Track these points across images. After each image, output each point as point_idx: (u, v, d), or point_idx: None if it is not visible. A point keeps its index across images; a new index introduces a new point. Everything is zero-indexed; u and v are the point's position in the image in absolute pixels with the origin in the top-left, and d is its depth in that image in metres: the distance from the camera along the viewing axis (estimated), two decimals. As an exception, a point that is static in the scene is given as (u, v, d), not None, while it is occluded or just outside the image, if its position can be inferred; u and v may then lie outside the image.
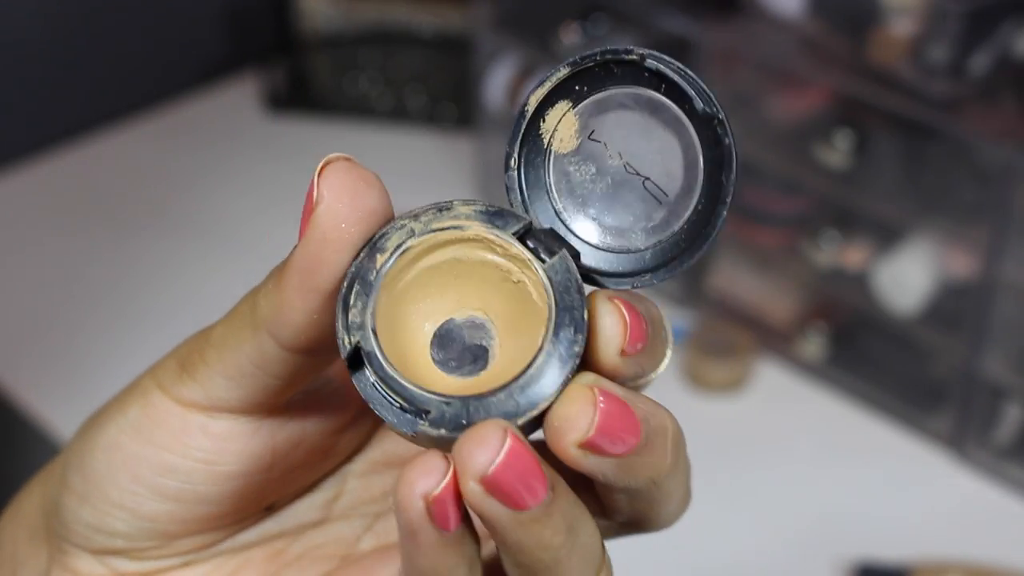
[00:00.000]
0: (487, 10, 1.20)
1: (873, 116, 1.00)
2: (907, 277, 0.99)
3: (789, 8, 1.00)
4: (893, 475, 0.99)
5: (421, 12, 1.46)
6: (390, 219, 0.30)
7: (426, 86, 1.42)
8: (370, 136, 1.39)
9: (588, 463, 0.28)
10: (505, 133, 1.20)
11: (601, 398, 0.28)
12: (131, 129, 1.41)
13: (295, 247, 0.30)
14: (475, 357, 0.30)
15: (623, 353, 0.29)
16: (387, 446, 0.36)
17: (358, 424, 0.35)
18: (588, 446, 0.28)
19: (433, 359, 0.30)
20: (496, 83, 1.21)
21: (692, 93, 0.30)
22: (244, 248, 1.20)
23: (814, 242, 1.04)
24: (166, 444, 0.32)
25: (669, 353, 0.32)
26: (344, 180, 0.29)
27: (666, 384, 1.06)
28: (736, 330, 1.08)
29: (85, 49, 1.38)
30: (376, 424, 0.36)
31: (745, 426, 1.03)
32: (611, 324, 0.29)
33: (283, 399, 0.33)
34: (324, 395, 0.34)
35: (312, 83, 1.46)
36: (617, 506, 0.32)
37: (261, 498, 0.34)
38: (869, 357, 1.06)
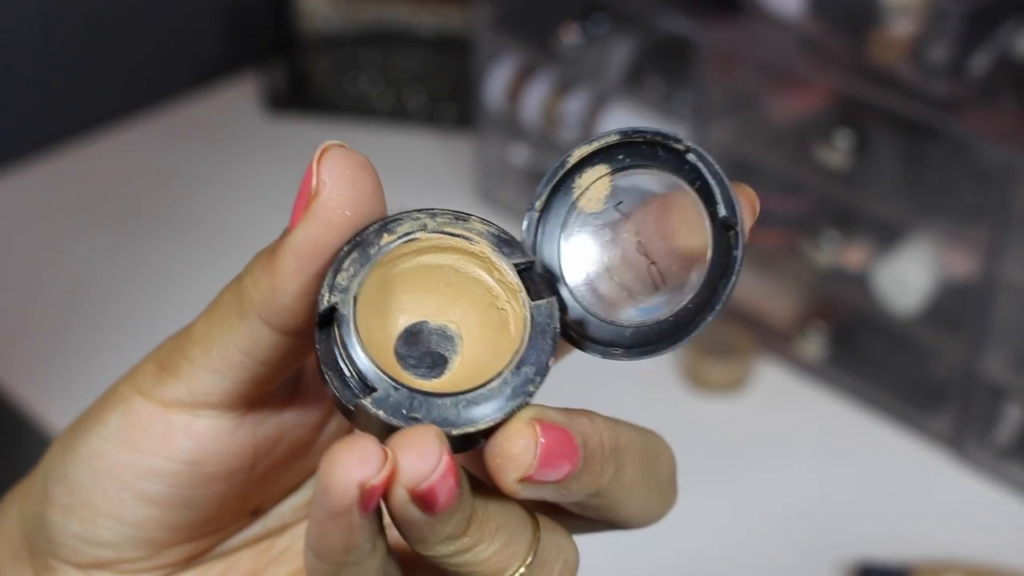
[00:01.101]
0: (487, 10, 1.20)
1: (873, 116, 1.00)
2: (907, 277, 0.99)
3: (789, 8, 1.00)
4: (893, 475, 0.99)
5: (421, 12, 1.46)
6: (382, 209, 0.31)
7: (426, 86, 1.42)
8: (370, 136, 1.39)
9: (527, 493, 0.30)
10: (504, 134, 1.19)
11: (541, 434, 0.29)
12: (131, 129, 1.41)
13: (289, 233, 0.30)
14: (434, 363, 0.31)
15: (526, 480, 0.29)
16: None
17: (335, 421, 0.35)
18: (527, 480, 0.29)
19: (395, 351, 0.31)
20: (496, 83, 1.21)
21: (719, 198, 0.31)
22: (244, 248, 1.20)
23: (814, 242, 1.04)
24: (150, 448, 0.32)
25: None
26: (343, 166, 0.30)
27: (666, 384, 1.06)
28: (736, 330, 1.08)
29: (85, 49, 1.38)
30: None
31: (745, 426, 1.03)
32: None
33: (268, 388, 0.33)
34: (301, 388, 0.35)
35: (312, 83, 1.46)
36: (571, 513, 0.32)
37: (245, 501, 0.34)
38: (869, 357, 1.06)
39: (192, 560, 0.35)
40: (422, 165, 1.32)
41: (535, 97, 1.18)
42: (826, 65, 1.00)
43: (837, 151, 1.00)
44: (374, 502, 0.28)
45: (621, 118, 1.13)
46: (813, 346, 1.07)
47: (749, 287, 1.11)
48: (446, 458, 0.28)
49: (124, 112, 1.42)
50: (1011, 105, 0.95)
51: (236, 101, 1.45)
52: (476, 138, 1.28)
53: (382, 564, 0.30)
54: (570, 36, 1.14)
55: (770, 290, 1.10)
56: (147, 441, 0.32)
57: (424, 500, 0.28)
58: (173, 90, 1.45)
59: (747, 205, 0.31)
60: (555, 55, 1.16)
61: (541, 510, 0.32)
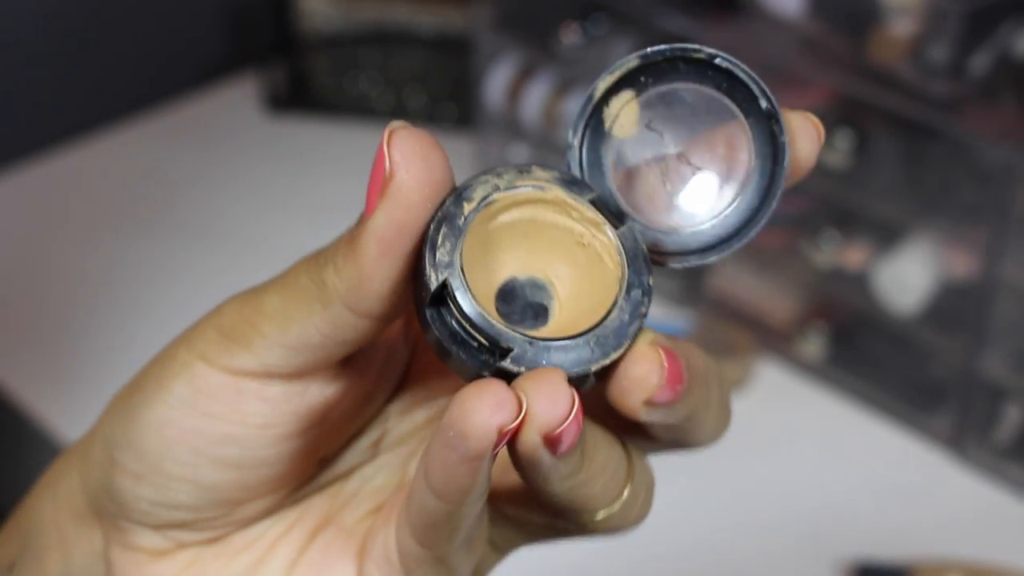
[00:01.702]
0: (487, 10, 1.20)
1: (873, 116, 1.00)
2: (907, 277, 0.99)
3: (789, 8, 1.00)
4: (893, 475, 0.99)
5: (421, 12, 1.46)
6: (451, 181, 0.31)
7: (426, 86, 1.42)
8: (370, 136, 1.39)
9: (648, 416, 0.31)
10: (504, 134, 1.19)
11: (665, 357, 0.30)
12: (131, 129, 1.41)
13: (368, 218, 0.30)
14: (536, 313, 0.32)
15: (649, 403, 0.31)
16: (416, 388, 0.37)
17: (394, 366, 0.36)
18: (650, 403, 0.30)
19: (498, 310, 0.31)
20: (496, 83, 1.21)
21: (758, 92, 0.32)
22: (244, 248, 1.21)
23: (814, 242, 1.04)
24: (223, 414, 0.32)
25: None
26: (415, 146, 0.30)
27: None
28: (736, 330, 1.08)
29: (85, 49, 1.38)
30: (410, 365, 0.36)
31: (745, 426, 1.03)
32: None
33: (341, 360, 0.33)
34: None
35: (312, 83, 1.46)
36: (655, 434, 0.33)
37: (315, 453, 0.35)
38: (869, 357, 1.06)
39: (267, 512, 0.35)
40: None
41: (535, 97, 1.18)
42: (826, 65, 1.00)
43: (837, 151, 1.00)
44: (502, 444, 0.28)
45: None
46: (813, 346, 1.07)
47: (749, 287, 1.11)
48: (577, 401, 0.28)
49: (124, 112, 1.42)
50: (1011, 105, 0.95)
51: (236, 101, 1.45)
52: (476, 138, 1.28)
53: (484, 506, 0.31)
54: (570, 36, 1.14)
55: (770, 290, 1.10)
56: (218, 407, 0.32)
57: (554, 443, 0.28)
58: (173, 90, 1.45)
59: (812, 132, 0.32)
60: (555, 55, 1.16)
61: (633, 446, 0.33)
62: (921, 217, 0.99)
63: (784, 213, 1.06)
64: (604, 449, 0.31)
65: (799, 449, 1.01)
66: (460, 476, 0.29)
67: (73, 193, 1.31)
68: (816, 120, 0.32)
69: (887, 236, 1.01)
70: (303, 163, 1.35)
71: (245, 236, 1.23)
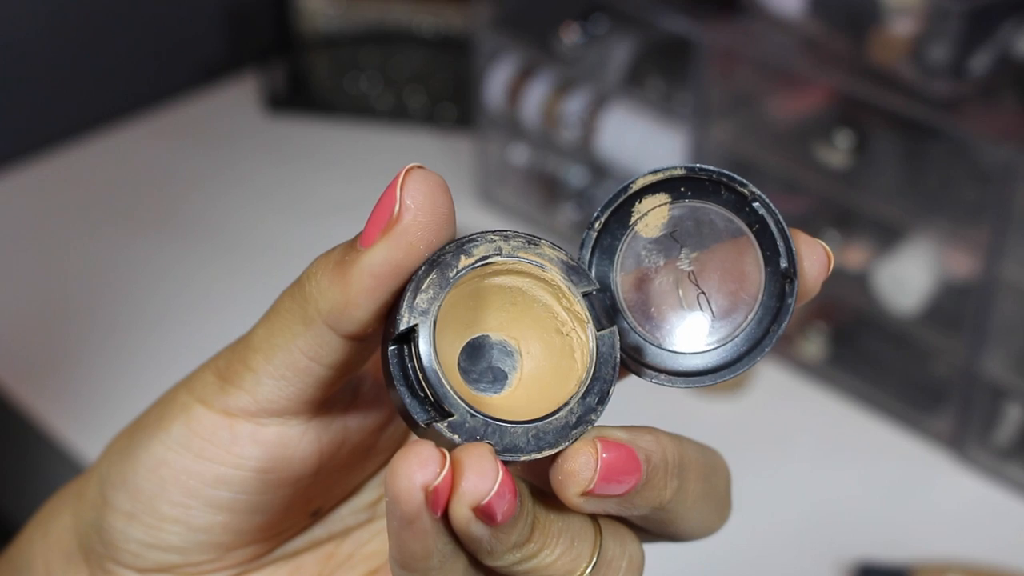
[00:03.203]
0: (487, 10, 1.20)
1: (873, 116, 1.00)
2: (907, 277, 0.99)
3: (789, 8, 1.00)
4: (893, 475, 0.99)
5: (421, 12, 1.46)
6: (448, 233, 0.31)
7: (426, 86, 1.42)
8: (370, 136, 1.39)
9: (590, 507, 0.31)
10: (504, 134, 1.19)
11: (603, 451, 0.30)
12: (131, 129, 1.41)
13: (366, 250, 0.30)
14: (495, 378, 0.32)
15: (587, 495, 0.31)
16: None
17: (395, 424, 0.36)
18: (589, 495, 0.30)
19: (459, 363, 0.32)
20: (496, 83, 1.21)
21: (781, 249, 0.32)
22: (243, 247, 1.20)
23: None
24: (218, 457, 0.33)
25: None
26: (426, 190, 0.31)
27: (666, 384, 1.06)
28: (736, 330, 1.08)
29: (85, 49, 1.38)
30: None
31: (745, 426, 1.03)
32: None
33: (331, 392, 0.33)
34: (362, 393, 0.35)
35: (312, 83, 1.46)
36: (632, 525, 0.33)
37: (308, 503, 0.35)
38: (869, 357, 1.06)
39: (254, 560, 0.35)
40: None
41: (535, 97, 1.18)
42: (826, 65, 1.00)
43: (837, 151, 1.00)
44: (442, 504, 0.29)
45: (621, 118, 1.13)
46: (813, 346, 1.07)
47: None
48: (503, 474, 0.29)
49: (124, 112, 1.42)
50: (1011, 105, 0.95)
51: (236, 101, 1.45)
52: (476, 138, 1.28)
53: (466, 569, 0.31)
54: (570, 36, 1.14)
55: (770, 290, 1.10)
56: (214, 449, 0.33)
57: (486, 514, 0.29)
58: (173, 90, 1.45)
59: (823, 260, 0.32)
60: (555, 55, 1.16)
61: (605, 518, 0.33)
62: (921, 217, 0.99)
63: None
64: (559, 520, 0.31)
65: (799, 449, 1.01)
66: (408, 542, 0.29)
67: (73, 193, 1.31)
68: (827, 249, 0.32)
69: (887, 236, 1.01)
70: (303, 163, 1.35)
71: (245, 236, 1.23)
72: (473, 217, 1.23)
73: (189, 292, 1.15)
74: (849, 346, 1.07)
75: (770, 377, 1.07)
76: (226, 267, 1.17)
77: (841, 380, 1.06)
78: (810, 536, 0.93)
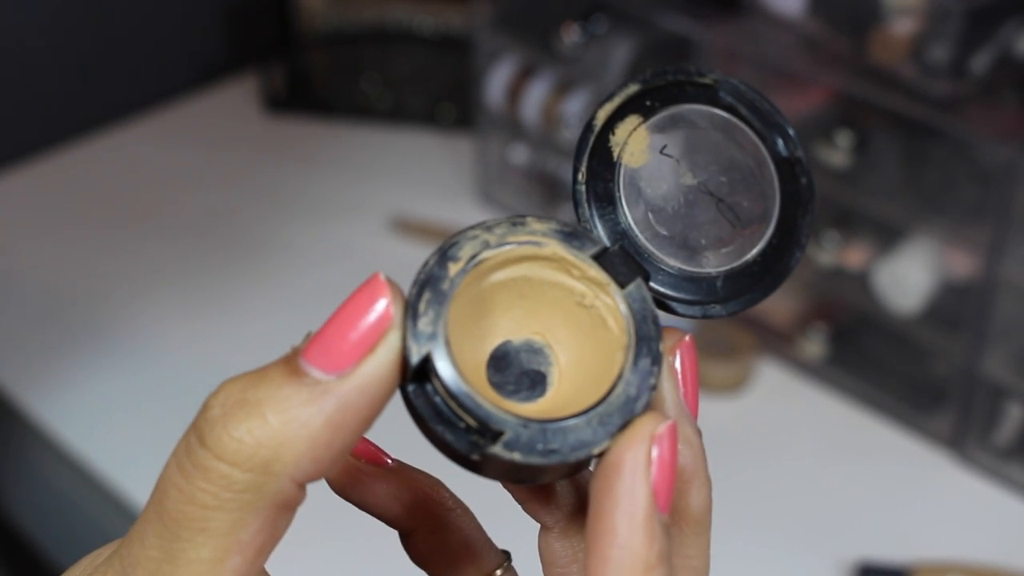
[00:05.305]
0: (487, 10, 1.20)
1: (874, 116, 0.99)
2: (907, 277, 0.99)
3: (789, 8, 1.00)
4: (893, 475, 0.99)
5: (421, 12, 1.46)
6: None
7: (426, 86, 1.42)
8: (370, 136, 1.39)
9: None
10: (504, 134, 1.18)
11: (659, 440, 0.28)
12: (131, 129, 1.41)
13: (343, 373, 0.26)
14: (533, 382, 0.29)
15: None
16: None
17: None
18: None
19: (490, 381, 0.29)
20: (496, 83, 1.21)
21: (767, 132, 0.28)
22: (243, 247, 1.20)
23: (814, 242, 1.04)
24: None
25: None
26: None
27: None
28: (736, 330, 1.08)
29: (85, 49, 1.38)
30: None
31: (745, 426, 1.03)
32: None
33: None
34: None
35: (312, 83, 1.46)
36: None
37: None
38: (869, 357, 1.06)
39: None
40: (422, 165, 1.32)
41: (535, 97, 1.18)
42: (826, 65, 1.00)
43: (838, 151, 1.00)
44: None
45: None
46: (813, 346, 1.07)
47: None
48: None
49: (124, 112, 1.42)
50: (1012, 105, 0.95)
51: (236, 101, 1.45)
52: (476, 138, 1.28)
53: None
54: (570, 36, 1.14)
55: (770, 290, 1.10)
56: None
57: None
58: (173, 90, 1.45)
59: (684, 347, 0.29)
60: (555, 55, 1.16)
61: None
62: (921, 217, 0.99)
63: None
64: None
65: (799, 449, 1.01)
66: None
67: (73, 193, 1.31)
68: (685, 336, 0.29)
69: (887, 236, 1.01)
70: (303, 163, 1.35)
71: (245, 235, 1.23)
72: (473, 217, 1.23)
73: (189, 292, 1.15)
74: (849, 346, 1.07)
75: (770, 377, 1.07)
76: (226, 266, 1.17)
77: (841, 380, 1.05)
78: (810, 536, 0.93)
